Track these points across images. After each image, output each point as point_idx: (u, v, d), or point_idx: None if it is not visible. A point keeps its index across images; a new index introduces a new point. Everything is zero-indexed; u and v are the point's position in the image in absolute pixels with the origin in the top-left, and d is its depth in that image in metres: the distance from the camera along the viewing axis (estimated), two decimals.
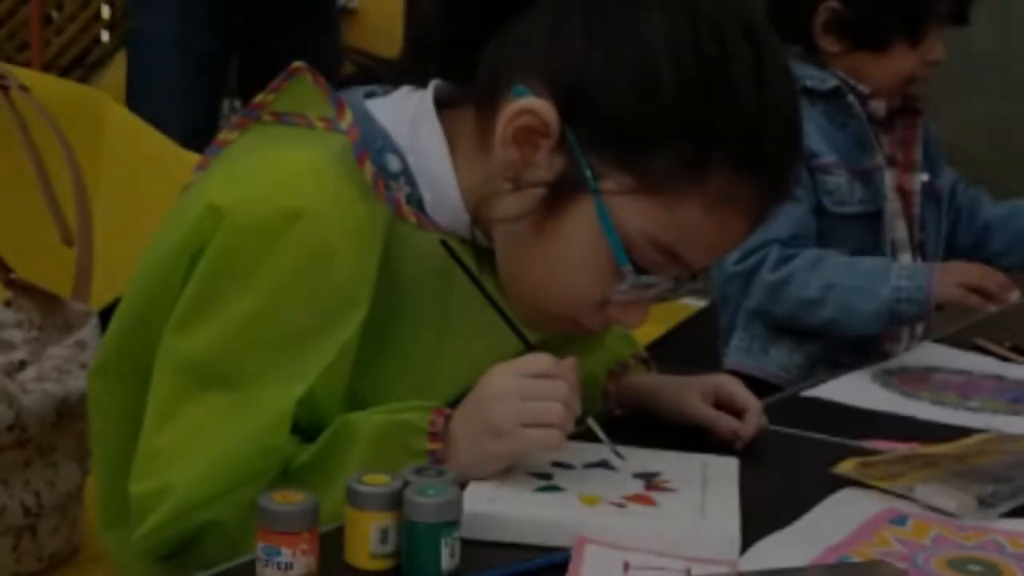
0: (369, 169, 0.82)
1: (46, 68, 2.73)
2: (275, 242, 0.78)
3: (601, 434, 0.86)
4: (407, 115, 0.85)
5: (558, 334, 0.89)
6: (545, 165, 0.81)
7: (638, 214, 0.79)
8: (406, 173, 0.84)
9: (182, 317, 0.79)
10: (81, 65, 2.83)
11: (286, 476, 0.79)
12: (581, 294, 0.83)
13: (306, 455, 0.79)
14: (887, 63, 1.43)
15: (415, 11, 1.15)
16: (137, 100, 2.05)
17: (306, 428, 0.81)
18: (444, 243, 0.83)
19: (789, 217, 1.40)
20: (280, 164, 0.81)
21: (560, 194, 0.80)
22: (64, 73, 2.74)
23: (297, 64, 0.86)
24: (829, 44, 1.45)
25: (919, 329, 1.51)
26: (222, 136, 0.87)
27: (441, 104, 0.87)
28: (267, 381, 0.79)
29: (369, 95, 0.88)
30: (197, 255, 0.79)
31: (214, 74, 2.08)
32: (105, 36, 2.83)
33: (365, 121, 0.84)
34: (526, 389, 0.79)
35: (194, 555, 0.79)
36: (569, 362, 0.82)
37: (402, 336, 0.83)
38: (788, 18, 1.47)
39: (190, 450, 0.78)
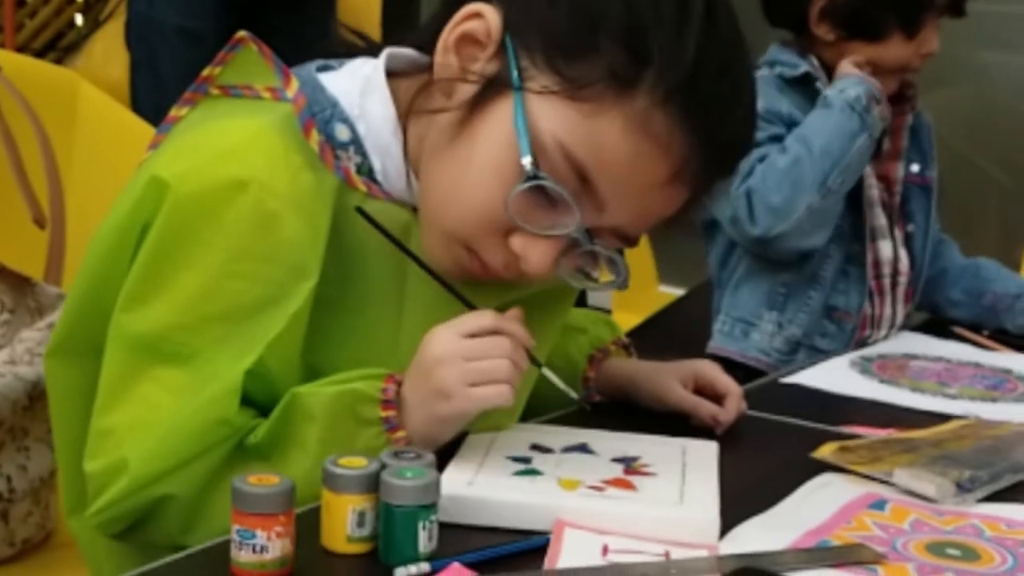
0: (315, 138, 0.81)
1: (19, 51, 2.70)
2: (221, 213, 0.78)
3: (559, 383, 0.83)
4: (358, 84, 0.85)
5: (524, 302, 0.88)
6: (478, 75, 0.80)
7: (555, 117, 0.77)
8: (356, 142, 0.83)
9: (131, 293, 0.78)
10: (55, 48, 2.80)
11: (243, 452, 0.78)
12: (484, 200, 0.80)
13: (260, 432, 0.78)
14: (881, 53, 1.43)
15: None
16: (142, 87, 2.02)
17: (260, 402, 0.80)
18: (359, 210, 0.81)
19: (772, 146, 1.40)
20: (224, 134, 0.81)
21: (484, 97, 0.80)
22: (38, 56, 2.71)
23: (241, 34, 0.85)
24: (824, 32, 1.45)
25: (899, 316, 1.51)
26: (172, 112, 0.86)
27: (398, 75, 0.86)
28: (218, 354, 0.78)
29: (323, 68, 0.87)
30: (145, 230, 0.79)
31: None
32: (79, 20, 2.79)
33: (314, 91, 0.84)
34: (469, 349, 0.78)
35: (148, 531, 0.78)
36: (513, 313, 0.81)
37: (359, 307, 0.83)
38: (784, 3, 1.47)
39: (143, 426, 0.77)
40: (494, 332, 0.79)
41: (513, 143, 0.78)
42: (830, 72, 1.45)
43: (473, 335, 0.79)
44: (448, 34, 0.81)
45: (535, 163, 0.77)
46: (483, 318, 0.80)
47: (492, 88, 0.79)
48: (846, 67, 1.42)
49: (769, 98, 1.43)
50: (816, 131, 1.38)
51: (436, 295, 0.83)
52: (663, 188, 0.80)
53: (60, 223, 1.09)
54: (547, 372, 0.83)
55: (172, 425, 0.77)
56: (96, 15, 2.76)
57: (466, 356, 0.78)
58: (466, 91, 0.80)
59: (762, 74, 1.48)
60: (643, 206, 0.81)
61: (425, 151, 0.83)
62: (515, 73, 0.78)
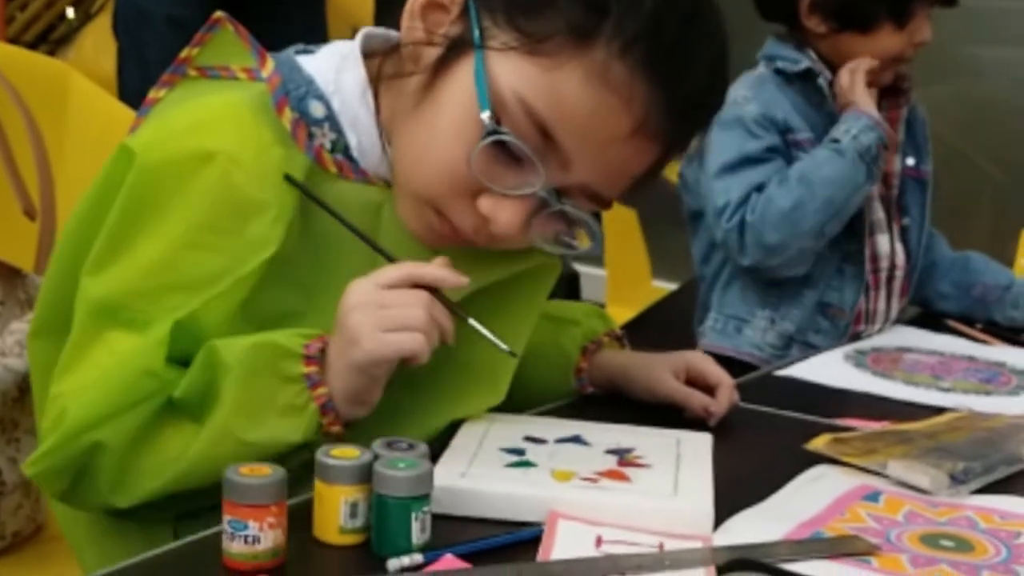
0: (288, 116, 0.81)
1: (10, 43, 2.68)
2: (186, 183, 0.78)
3: (487, 334, 0.80)
4: (334, 62, 0.86)
5: (503, 284, 0.87)
6: (442, 37, 0.81)
7: (514, 73, 0.78)
8: (331, 119, 0.84)
9: (95, 259, 0.79)
10: (46, 41, 2.79)
11: (173, 410, 0.77)
12: (448, 159, 0.79)
13: (180, 388, 0.77)
14: (873, 44, 1.43)
15: None
16: (130, 75, 2.03)
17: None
18: (288, 177, 0.80)
19: (767, 169, 1.40)
20: (196, 110, 0.82)
21: (448, 59, 0.80)
22: (29, 48, 2.70)
23: (218, 14, 0.86)
24: (815, 25, 1.44)
25: (894, 310, 1.51)
26: (151, 95, 0.87)
27: (376, 54, 0.87)
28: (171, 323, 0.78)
29: (302, 52, 0.88)
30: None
31: None
32: (70, 12, 2.78)
33: (290, 70, 0.84)
34: (383, 297, 0.77)
35: (83, 488, 0.78)
36: (439, 260, 0.79)
37: (332, 286, 0.81)
38: None
39: (89, 384, 0.77)
40: (413, 283, 0.77)
41: (475, 101, 0.78)
42: (829, 64, 1.45)
43: (392, 286, 0.77)
44: (414, 1, 0.81)
45: (495, 118, 0.78)
46: (400, 268, 0.78)
47: (455, 50, 0.80)
48: (861, 97, 1.40)
49: (766, 100, 1.43)
50: (823, 179, 1.37)
51: None
52: (627, 142, 0.79)
53: (50, 214, 1.08)
54: (473, 322, 0.80)
55: (106, 377, 0.77)
56: (87, 8, 2.75)
57: (379, 304, 0.76)
58: (431, 54, 0.81)
59: (760, 71, 1.48)
60: (609, 161, 0.80)
61: (396, 119, 0.84)
62: (476, 32, 0.79)
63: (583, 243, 0.85)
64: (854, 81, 1.42)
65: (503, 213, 0.80)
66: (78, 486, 0.78)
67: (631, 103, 0.78)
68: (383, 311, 0.76)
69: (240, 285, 0.78)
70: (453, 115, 0.79)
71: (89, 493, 0.77)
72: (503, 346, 0.80)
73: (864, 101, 1.41)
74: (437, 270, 0.78)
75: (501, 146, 0.78)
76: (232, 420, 0.75)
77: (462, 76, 0.79)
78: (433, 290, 0.78)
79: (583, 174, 0.80)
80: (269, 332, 0.78)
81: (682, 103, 0.80)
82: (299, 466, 0.74)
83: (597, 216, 0.84)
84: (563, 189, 0.81)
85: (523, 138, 0.78)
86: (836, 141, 1.39)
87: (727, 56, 0.83)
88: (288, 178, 0.80)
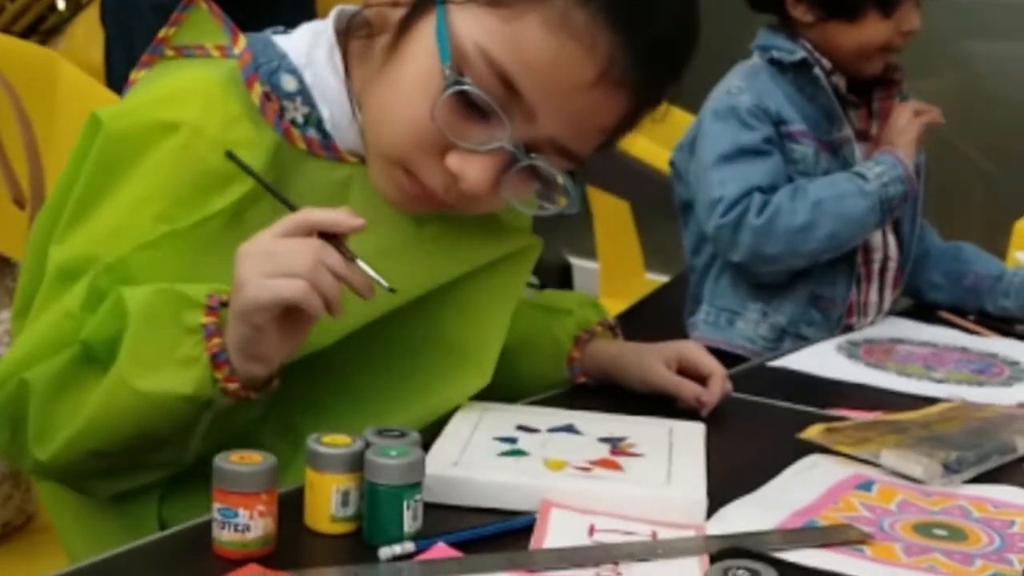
0: (257, 91, 0.81)
1: None
2: (149, 152, 0.79)
3: (371, 273, 0.76)
4: (307, 38, 0.86)
5: (484, 269, 0.87)
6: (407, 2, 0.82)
7: (475, 25, 0.78)
8: (303, 92, 0.84)
9: (61, 227, 0.79)
10: (36, 31, 2.78)
11: (88, 359, 0.76)
12: (412, 114, 0.79)
13: (86, 331, 0.76)
14: (860, 33, 1.42)
15: None
16: (117, 63, 2.03)
17: None
18: (229, 154, 0.79)
19: (767, 166, 1.40)
20: (167, 84, 0.82)
21: (411, 18, 0.81)
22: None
23: None
24: (801, 14, 1.44)
25: (887, 302, 1.51)
26: (132, 76, 0.87)
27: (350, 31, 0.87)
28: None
29: (279, 33, 0.88)
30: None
31: None
32: (61, 3, 2.77)
33: (264, 47, 0.85)
34: (274, 244, 0.73)
35: (18, 441, 0.77)
36: (344, 208, 0.75)
37: None
38: None
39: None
40: (309, 229, 0.74)
41: (437, 55, 0.78)
42: (824, 54, 1.44)
43: (287, 235, 0.74)
44: None
45: (456, 69, 0.78)
46: (295, 216, 0.75)
47: (419, 8, 0.80)
48: (908, 146, 1.40)
49: (759, 91, 1.42)
50: (838, 213, 1.37)
51: (381, 247, 0.82)
52: (592, 90, 0.79)
53: (39, 203, 1.07)
54: (361, 263, 0.76)
55: (40, 326, 0.78)
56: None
57: (268, 251, 0.73)
58: (396, 15, 0.82)
59: (754, 61, 1.47)
60: (574, 112, 0.80)
61: (365, 85, 0.84)
62: None
63: (560, 202, 0.84)
64: (910, 127, 1.42)
65: (471, 169, 0.79)
66: (16, 438, 0.77)
67: (593, 50, 0.77)
68: (269, 257, 0.73)
69: (173, 238, 0.78)
70: (417, 71, 0.79)
71: (21, 446, 0.77)
72: (384, 284, 0.76)
73: (908, 151, 1.41)
74: (331, 213, 0.75)
75: (465, 99, 0.78)
76: (128, 368, 0.73)
77: (425, 32, 0.79)
78: (332, 238, 0.74)
79: (549, 126, 0.79)
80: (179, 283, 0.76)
81: (646, 48, 0.79)
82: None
83: (573, 176, 0.83)
84: (532, 144, 0.80)
85: (486, 90, 0.78)
86: (864, 177, 1.39)
87: (695, 3, 0.82)
88: (229, 154, 0.79)
